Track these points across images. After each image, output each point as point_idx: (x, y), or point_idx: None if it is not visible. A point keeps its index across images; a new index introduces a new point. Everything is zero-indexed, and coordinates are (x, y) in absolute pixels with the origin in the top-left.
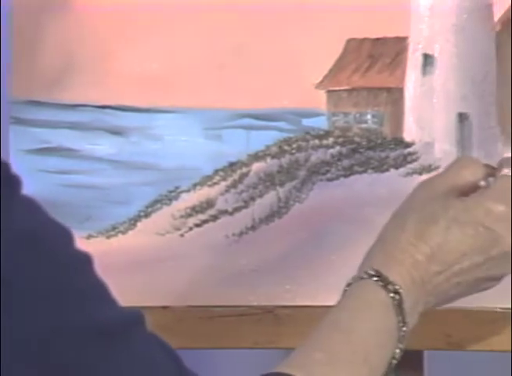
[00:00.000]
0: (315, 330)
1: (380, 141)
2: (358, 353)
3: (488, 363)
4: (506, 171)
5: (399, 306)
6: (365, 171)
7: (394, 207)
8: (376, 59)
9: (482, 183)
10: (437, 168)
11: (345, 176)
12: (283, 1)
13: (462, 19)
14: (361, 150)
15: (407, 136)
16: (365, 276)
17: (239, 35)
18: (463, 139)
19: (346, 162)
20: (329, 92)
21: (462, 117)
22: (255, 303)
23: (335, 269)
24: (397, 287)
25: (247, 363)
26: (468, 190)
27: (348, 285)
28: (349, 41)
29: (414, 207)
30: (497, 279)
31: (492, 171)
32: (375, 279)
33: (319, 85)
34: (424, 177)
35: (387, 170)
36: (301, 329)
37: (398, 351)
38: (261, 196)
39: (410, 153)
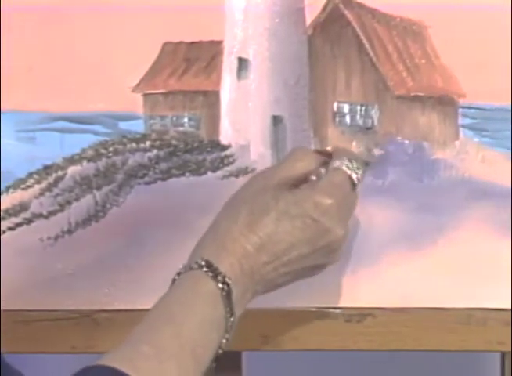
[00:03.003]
0: (143, 322)
1: (197, 144)
2: (185, 346)
3: (306, 362)
4: (337, 163)
5: (228, 297)
6: (182, 174)
7: (212, 209)
8: (192, 62)
9: (312, 177)
10: (253, 170)
11: (163, 179)
12: (98, 2)
13: (274, 23)
14: (178, 153)
15: (223, 139)
16: (195, 266)
17: (52, 36)
18: (277, 142)
19: (164, 165)
20: (145, 95)
21: (276, 120)
22: (73, 307)
23: (154, 272)
24: (226, 279)
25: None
26: (302, 181)
27: (178, 274)
28: (165, 44)
29: (247, 198)
30: (322, 267)
31: (325, 161)
32: (205, 269)
33: (136, 88)
34: (241, 179)
35: (204, 173)
36: (120, 333)
37: (224, 341)
38: (77, 199)
39: (227, 156)
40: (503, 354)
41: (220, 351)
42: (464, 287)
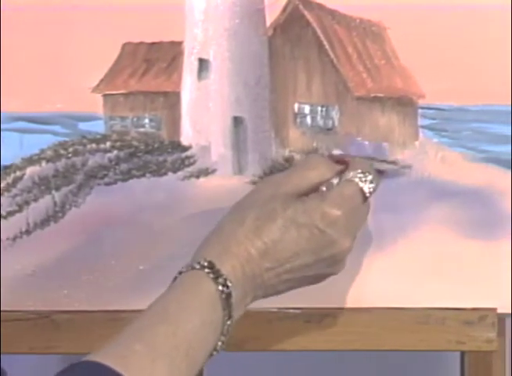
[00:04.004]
0: (138, 319)
1: (158, 145)
2: (180, 347)
3: (267, 363)
4: (350, 174)
5: (227, 300)
6: (143, 175)
7: (172, 210)
8: (152, 63)
9: (323, 188)
10: (213, 171)
11: (123, 180)
12: (58, 2)
13: (234, 24)
14: (139, 154)
15: (184, 140)
16: (197, 266)
17: (11, 36)
18: (238, 143)
19: (124, 166)
20: (105, 96)
21: (237, 121)
22: (32, 308)
23: (114, 273)
24: (227, 281)
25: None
26: (313, 190)
27: (180, 273)
28: (125, 45)
29: (255, 202)
30: (326, 276)
31: (340, 171)
32: (207, 270)
33: (96, 89)
34: (202, 180)
35: (165, 174)
36: (80, 334)
37: (220, 343)
38: (35, 200)
39: (187, 157)
40: (463, 353)
41: (215, 353)
42: (423, 287)
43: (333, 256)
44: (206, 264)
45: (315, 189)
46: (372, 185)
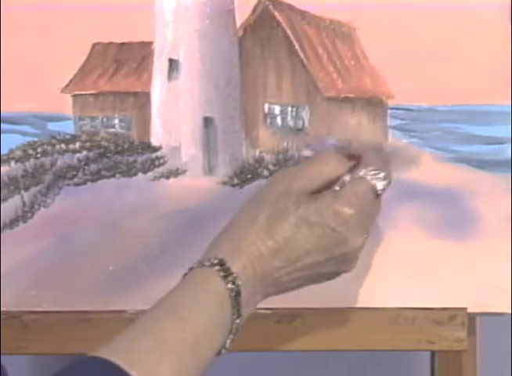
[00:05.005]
0: (147, 313)
1: (128, 145)
2: (188, 342)
3: (237, 363)
4: (362, 172)
5: (236, 298)
6: (113, 176)
7: (142, 211)
8: (122, 63)
9: (336, 187)
10: (184, 171)
11: (93, 181)
12: (27, 2)
13: (204, 25)
14: (108, 155)
15: (154, 141)
16: (207, 263)
17: None
18: (208, 143)
19: (94, 167)
20: (75, 96)
21: (207, 122)
22: (1, 309)
23: (83, 274)
24: (237, 280)
25: None
26: (326, 186)
27: (191, 269)
28: (95, 45)
29: (268, 199)
30: (337, 274)
31: (352, 166)
32: (217, 268)
33: (65, 89)
34: (172, 181)
35: (135, 174)
36: (49, 334)
37: (229, 341)
38: (4, 200)
39: (158, 158)
40: (433, 353)
41: (223, 351)
42: (393, 287)
43: (345, 254)
44: (216, 262)
45: (327, 185)
46: (384, 182)
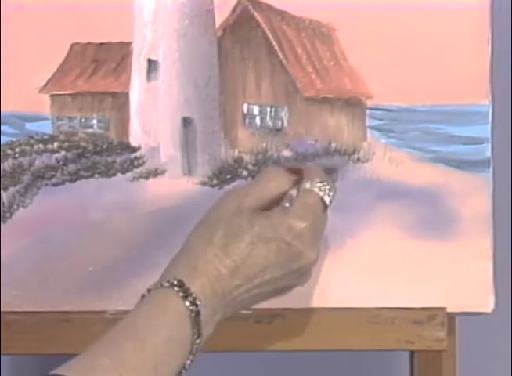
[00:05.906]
0: (107, 334)
1: (107, 146)
2: (148, 362)
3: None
4: (308, 185)
5: (196, 319)
6: (91, 176)
7: (121, 211)
8: (100, 63)
9: (286, 204)
10: (163, 172)
11: (71, 181)
12: (5, 1)
13: (184, 25)
14: (87, 155)
15: (133, 141)
16: (166, 284)
17: None
18: (187, 143)
19: (72, 167)
20: (53, 96)
21: (186, 122)
22: None
23: (63, 274)
24: (196, 300)
25: None
26: (275, 202)
27: (148, 291)
28: (73, 45)
29: (221, 218)
30: (291, 288)
31: (297, 181)
32: (176, 289)
33: (43, 89)
34: (151, 181)
35: (113, 175)
36: (30, 335)
37: (189, 362)
38: None
39: (136, 158)
40: (412, 353)
41: (183, 371)
42: (373, 287)
43: (301, 268)
44: (175, 282)
45: (276, 201)
46: (331, 193)
